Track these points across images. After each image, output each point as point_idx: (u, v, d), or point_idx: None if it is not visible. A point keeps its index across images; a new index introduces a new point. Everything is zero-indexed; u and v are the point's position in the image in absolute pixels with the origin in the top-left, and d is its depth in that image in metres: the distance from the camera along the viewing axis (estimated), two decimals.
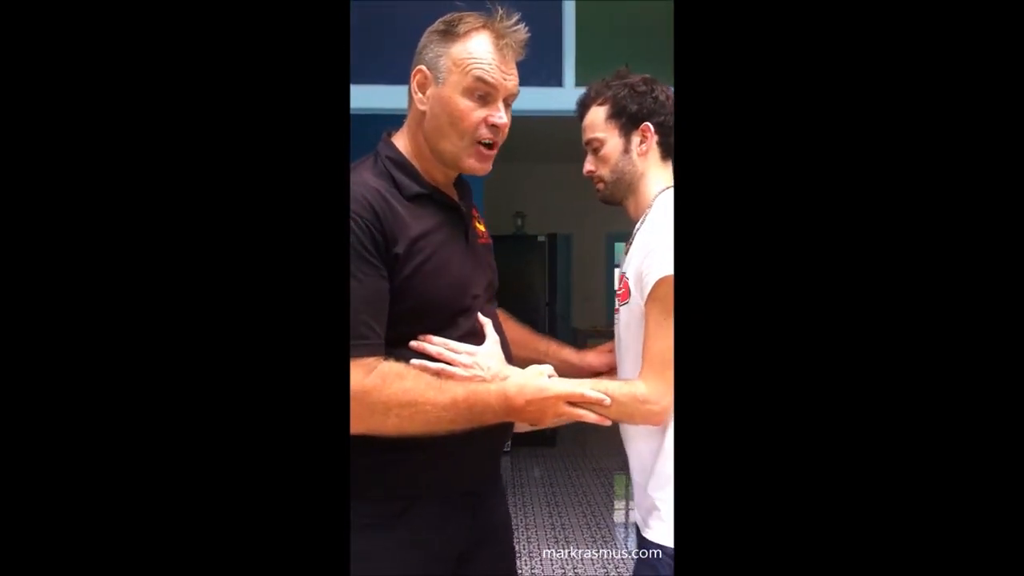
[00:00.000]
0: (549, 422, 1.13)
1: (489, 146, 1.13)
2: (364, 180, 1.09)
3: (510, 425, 1.20)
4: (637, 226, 1.33)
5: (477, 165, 1.13)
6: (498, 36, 1.09)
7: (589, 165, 1.35)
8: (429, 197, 1.15)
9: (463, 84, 1.08)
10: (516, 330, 1.41)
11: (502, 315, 1.35)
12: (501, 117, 1.10)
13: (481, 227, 1.30)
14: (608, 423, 1.18)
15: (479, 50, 1.08)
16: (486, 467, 1.23)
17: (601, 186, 1.35)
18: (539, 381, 1.10)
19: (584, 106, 1.36)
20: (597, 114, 1.32)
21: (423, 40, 1.13)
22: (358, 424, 0.98)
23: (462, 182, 1.27)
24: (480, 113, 1.09)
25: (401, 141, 1.18)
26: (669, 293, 1.16)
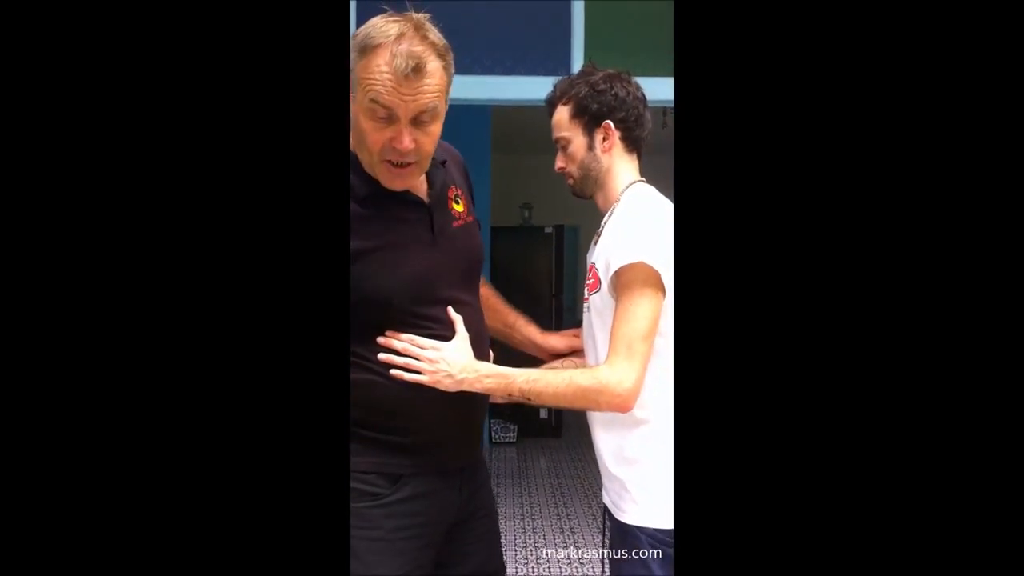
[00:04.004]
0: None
1: (400, 165, 1.08)
2: None
3: (486, 399, 1.25)
4: (605, 219, 1.37)
5: (389, 182, 1.10)
6: (392, 54, 1.00)
7: (559, 162, 1.38)
8: (385, 196, 1.13)
9: (364, 104, 1.04)
10: (491, 298, 1.43)
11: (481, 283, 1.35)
12: (401, 141, 1.04)
13: (459, 207, 1.26)
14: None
15: (376, 68, 1.01)
16: (468, 442, 1.26)
17: (571, 181, 1.39)
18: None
19: (551, 105, 1.38)
20: (562, 113, 1.35)
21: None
22: None
23: (434, 163, 1.21)
24: (383, 135, 1.05)
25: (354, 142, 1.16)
26: (634, 279, 1.19)
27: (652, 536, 1.22)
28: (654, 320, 1.19)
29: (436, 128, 1.10)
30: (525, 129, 5.22)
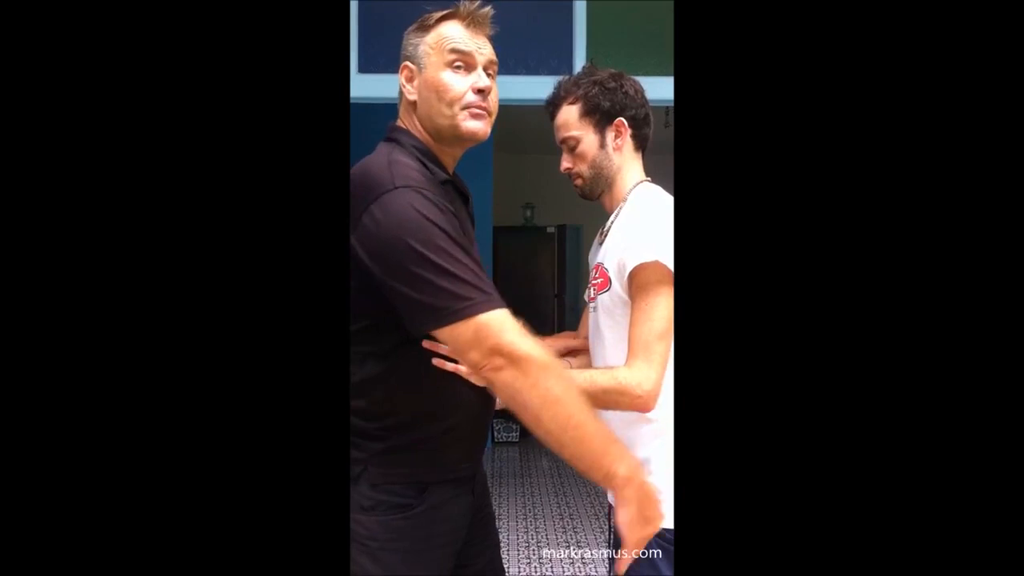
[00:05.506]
0: None
1: (480, 109, 1.19)
2: (408, 167, 1.13)
3: (493, 402, 1.27)
4: (611, 218, 1.36)
5: (475, 125, 1.19)
6: (463, 17, 1.19)
7: (566, 162, 1.38)
8: (451, 183, 1.20)
9: (443, 61, 1.17)
10: None
11: None
12: (483, 80, 1.18)
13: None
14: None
15: (450, 31, 1.19)
16: (481, 445, 1.31)
17: (580, 182, 1.38)
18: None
19: (555, 105, 1.37)
20: (570, 112, 1.35)
21: (404, 42, 1.23)
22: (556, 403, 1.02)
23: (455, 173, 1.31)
24: (464, 82, 1.17)
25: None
26: (650, 279, 1.19)
27: (660, 536, 1.22)
28: (671, 319, 1.19)
29: (497, 89, 1.23)
30: (527, 129, 5.24)
